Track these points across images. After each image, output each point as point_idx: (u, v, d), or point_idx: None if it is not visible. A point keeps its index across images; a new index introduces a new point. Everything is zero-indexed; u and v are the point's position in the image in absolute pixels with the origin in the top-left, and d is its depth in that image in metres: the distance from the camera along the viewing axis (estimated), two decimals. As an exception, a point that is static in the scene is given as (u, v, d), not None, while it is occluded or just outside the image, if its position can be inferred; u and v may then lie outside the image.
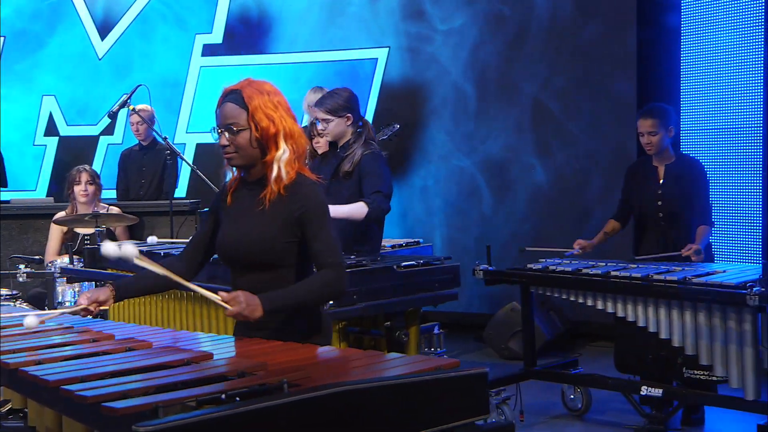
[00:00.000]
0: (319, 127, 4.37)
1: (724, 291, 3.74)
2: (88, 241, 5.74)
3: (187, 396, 1.83)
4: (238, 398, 1.83)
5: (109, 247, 2.66)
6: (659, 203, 4.51)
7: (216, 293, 2.58)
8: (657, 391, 4.15)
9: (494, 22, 6.84)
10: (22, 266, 5.20)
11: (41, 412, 2.16)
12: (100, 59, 7.91)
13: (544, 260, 4.60)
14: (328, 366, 2.21)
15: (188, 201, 6.32)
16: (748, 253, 5.67)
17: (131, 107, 5.46)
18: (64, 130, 7.98)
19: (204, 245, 2.81)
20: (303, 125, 6.42)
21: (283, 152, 2.61)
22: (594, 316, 5.06)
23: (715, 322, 3.82)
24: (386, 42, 7.31)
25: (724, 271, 4.00)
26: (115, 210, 5.92)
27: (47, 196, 7.75)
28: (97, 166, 7.92)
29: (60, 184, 7.85)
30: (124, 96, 5.48)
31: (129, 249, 2.61)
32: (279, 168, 2.61)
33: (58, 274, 4.88)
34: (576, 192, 6.61)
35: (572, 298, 4.27)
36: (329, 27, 7.45)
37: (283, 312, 2.60)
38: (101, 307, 2.67)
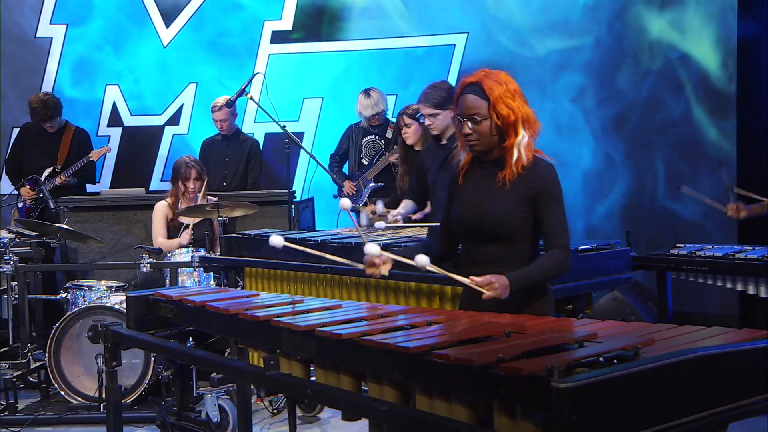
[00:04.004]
0: (426, 122, 4.71)
1: None
2: (194, 231, 6.01)
3: (574, 358, 2.13)
4: (616, 361, 2.14)
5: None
6: None
7: (468, 278, 2.89)
8: None
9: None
10: (145, 256, 5.44)
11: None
12: (165, 47, 8.12)
13: (682, 246, 4.94)
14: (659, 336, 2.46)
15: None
16: None
17: (249, 95, 5.71)
18: (128, 120, 8.18)
19: (448, 227, 3.18)
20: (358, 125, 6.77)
21: (523, 137, 2.99)
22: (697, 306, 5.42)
23: None
24: (465, 28, 7.63)
25: None
26: (213, 200, 6.15)
27: (110, 187, 7.95)
28: (162, 156, 8.18)
29: (123, 175, 8.12)
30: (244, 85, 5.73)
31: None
32: (519, 152, 2.98)
33: (197, 263, 5.13)
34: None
35: (727, 285, 4.59)
36: (405, 12, 7.74)
37: (523, 290, 2.94)
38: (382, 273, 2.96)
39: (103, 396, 5.06)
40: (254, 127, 7.99)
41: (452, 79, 7.65)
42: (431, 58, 7.76)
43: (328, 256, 3.09)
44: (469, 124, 2.99)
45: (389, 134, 6.67)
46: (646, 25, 7.11)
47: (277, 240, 3.08)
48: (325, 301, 3.12)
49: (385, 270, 2.95)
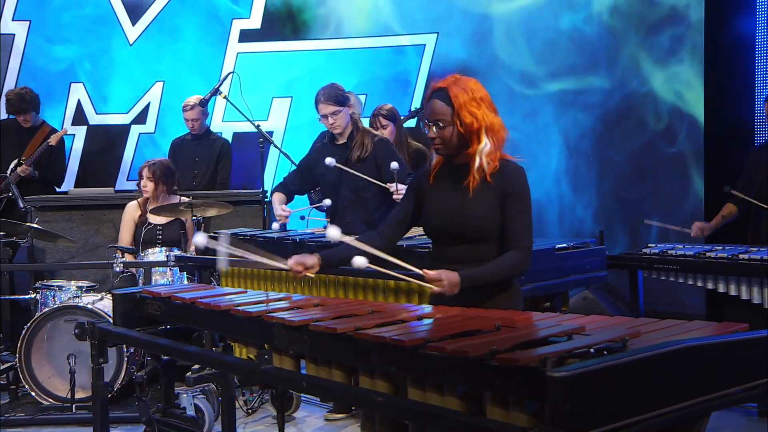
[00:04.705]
0: (329, 121, 4.88)
1: None
2: (161, 231, 6.06)
3: (565, 349, 2.24)
4: (605, 352, 2.26)
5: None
6: None
7: (421, 270, 3.00)
8: None
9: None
10: (118, 255, 5.47)
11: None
12: (131, 45, 8.13)
13: (653, 245, 5.11)
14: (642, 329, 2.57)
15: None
16: None
17: (222, 95, 5.77)
18: (93, 119, 8.18)
19: (404, 223, 3.31)
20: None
21: (485, 145, 3.10)
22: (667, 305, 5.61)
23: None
24: (434, 28, 7.75)
25: None
26: (186, 200, 6.20)
27: (75, 186, 7.94)
28: (128, 155, 8.19)
29: (88, 174, 8.12)
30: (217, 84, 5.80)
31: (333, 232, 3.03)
32: (481, 159, 3.09)
33: (173, 263, 5.18)
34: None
35: (698, 283, 4.77)
36: (374, 12, 7.85)
37: (474, 288, 3.05)
38: (307, 273, 3.08)
39: (75, 396, 5.11)
40: (222, 126, 8.04)
41: (422, 79, 7.80)
42: (401, 57, 7.87)
43: (250, 256, 3.02)
44: (434, 128, 3.11)
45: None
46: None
47: (200, 239, 3.10)
48: (310, 297, 3.20)
49: (312, 272, 3.09)
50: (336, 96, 4.84)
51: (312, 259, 3.12)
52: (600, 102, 7.30)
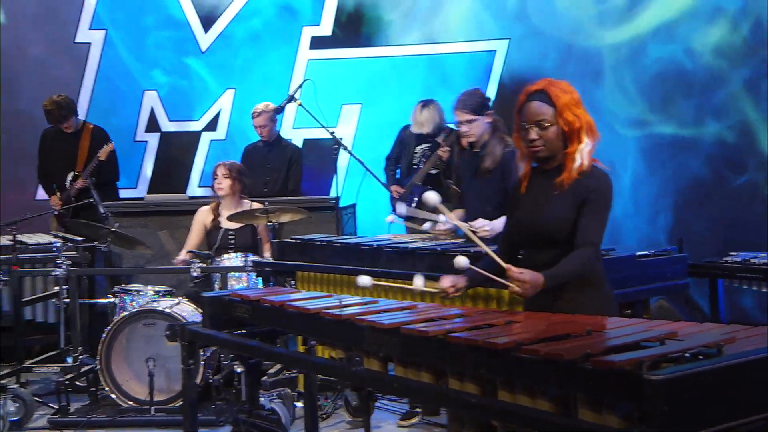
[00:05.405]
0: (463, 129, 4.79)
1: None
2: (233, 237, 6.21)
3: (660, 353, 2.29)
4: (701, 357, 2.30)
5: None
6: None
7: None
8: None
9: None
10: (196, 261, 5.64)
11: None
12: (203, 52, 8.34)
13: (735, 254, 5.09)
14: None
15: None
16: None
17: (298, 102, 5.90)
18: (166, 126, 8.41)
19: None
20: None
21: (586, 144, 3.18)
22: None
23: None
24: (506, 34, 7.80)
25: None
26: (257, 205, 6.35)
27: (148, 192, 8.17)
28: (199, 162, 8.39)
29: (160, 180, 8.34)
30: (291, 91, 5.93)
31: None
32: (582, 158, 3.17)
33: (250, 268, 5.32)
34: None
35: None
36: (445, 18, 7.93)
37: (554, 288, 3.09)
38: (456, 294, 3.16)
39: (154, 399, 5.28)
40: (293, 133, 8.18)
41: (493, 86, 7.85)
42: (471, 64, 7.94)
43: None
44: (536, 129, 3.17)
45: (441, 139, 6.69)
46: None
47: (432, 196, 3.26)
48: (398, 302, 3.29)
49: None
50: (473, 104, 4.72)
51: (463, 282, 3.22)
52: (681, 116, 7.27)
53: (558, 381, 2.35)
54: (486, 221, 4.44)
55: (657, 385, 2.09)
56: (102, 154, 7.04)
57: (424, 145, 6.87)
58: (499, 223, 4.40)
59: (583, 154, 3.16)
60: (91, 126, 7.49)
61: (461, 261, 3.03)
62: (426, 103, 6.78)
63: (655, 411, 2.10)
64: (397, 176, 7.07)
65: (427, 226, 4.55)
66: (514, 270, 3.03)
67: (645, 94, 7.34)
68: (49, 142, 7.47)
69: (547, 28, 7.65)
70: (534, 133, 3.18)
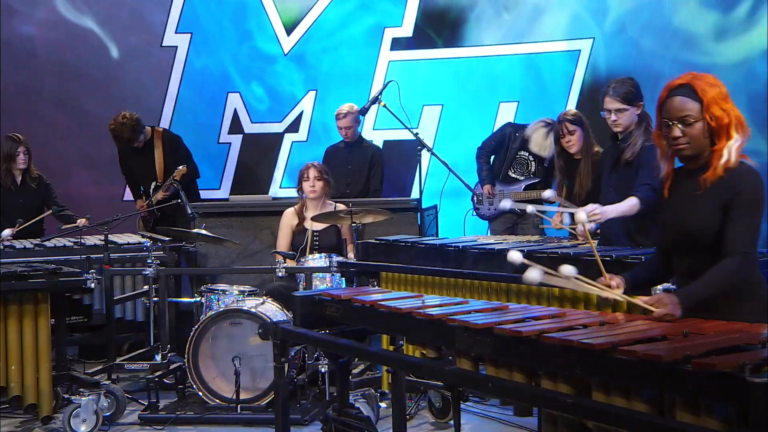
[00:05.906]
0: (612, 117, 4.66)
1: None
2: (317, 238, 6.31)
3: (764, 356, 2.27)
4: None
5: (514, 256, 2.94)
6: None
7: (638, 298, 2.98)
8: None
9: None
10: (280, 260, 5.74)
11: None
12: (285, 55, 8.48)
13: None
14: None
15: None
16: None
17: (382, 103, 5.97)
18: (249, 128, 8.57)
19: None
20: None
21: (735, 140, 3.02)
22: None
23: None
24: (589, 33, 7.75)
25: None
26: (341, 206, 6.43)
27: (231, 193, 8.34)
28: (281, 163, 8.53)
29: (243, 181, 8.51)
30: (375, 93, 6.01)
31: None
32: (730, 154, 3.00)
33: (335, 268, 5.40)
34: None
35: None
36: (527, 18, 7.92)
37: (695, 305, 2.91)
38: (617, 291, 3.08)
39: (240, 398, 5.39)
40: (373, 134, 8.26)
41: (576, 86, 7.80)
42: (555, 63, 7.90)
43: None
44: (680, 126, 3.03)
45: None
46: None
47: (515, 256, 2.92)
48: (488, 302, 3.32)
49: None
50: (626, 94, 4.58)
51: (620, 281, 3.12)
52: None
53: (655, 382, 2.35)
54: (597, 205, 4.28)
55: (761, 388, 2.08)
56: (177, 174, 7.12)
57: (524, 152, 6.60)
58: (612, 209, 4.30)
59: (732, 149, 2.99)
60: (161, 130, 7.63)
61: (515, 256, 2.95)
62: (549, 125, 6.32)
63: (759, 414, 2.09)
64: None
65: (530, 209, 4.36)
66: (644, 299, 2.93)
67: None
68: (126, 159, 7.63)
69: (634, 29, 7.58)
70: (677, 131, 3.03)
